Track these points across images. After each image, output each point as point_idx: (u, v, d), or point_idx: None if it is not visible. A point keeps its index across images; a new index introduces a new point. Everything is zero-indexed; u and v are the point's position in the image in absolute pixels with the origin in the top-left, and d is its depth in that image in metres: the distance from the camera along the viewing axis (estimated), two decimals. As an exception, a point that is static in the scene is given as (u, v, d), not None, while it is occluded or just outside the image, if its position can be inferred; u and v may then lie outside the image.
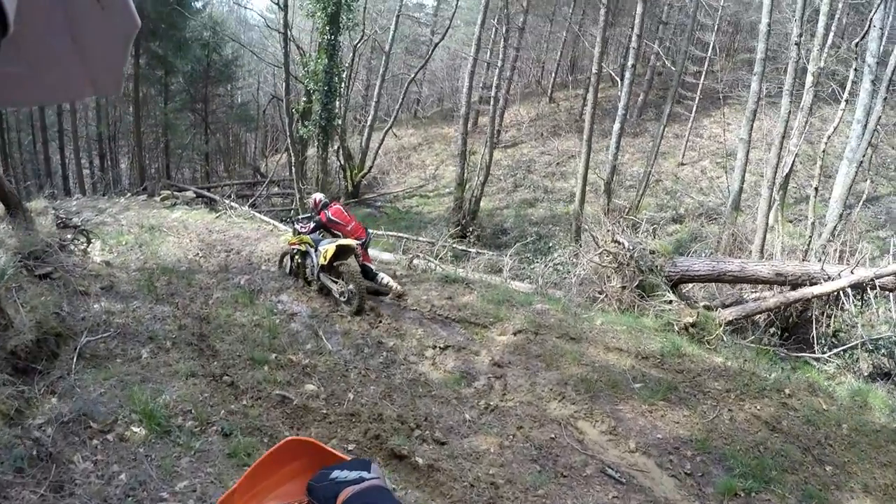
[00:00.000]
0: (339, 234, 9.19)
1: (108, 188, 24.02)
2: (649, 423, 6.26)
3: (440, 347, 7.59)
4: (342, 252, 8.69)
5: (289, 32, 20.01)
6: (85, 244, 9.75)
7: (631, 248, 10.22)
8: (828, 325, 9.37)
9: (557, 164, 29.22)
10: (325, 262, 8.64)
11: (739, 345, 8.77)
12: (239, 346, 6.85)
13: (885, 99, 15.39)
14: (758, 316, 9.86)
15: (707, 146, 29.01)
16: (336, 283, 8.64)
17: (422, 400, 6.39)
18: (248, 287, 8.93)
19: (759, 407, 6.62)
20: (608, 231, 10.94)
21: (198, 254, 10.77)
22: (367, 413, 5.80)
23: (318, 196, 9.86)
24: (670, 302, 9.69)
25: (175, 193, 19.92)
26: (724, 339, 8.80)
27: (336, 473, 1.39)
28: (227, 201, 17.43)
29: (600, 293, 10.47)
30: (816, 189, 13.31)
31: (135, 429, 4.72)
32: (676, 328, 8.84)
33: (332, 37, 20.16)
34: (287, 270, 9.69)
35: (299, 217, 9.90)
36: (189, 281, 8.96)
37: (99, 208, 14.41)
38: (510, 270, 12.88)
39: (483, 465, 5.30)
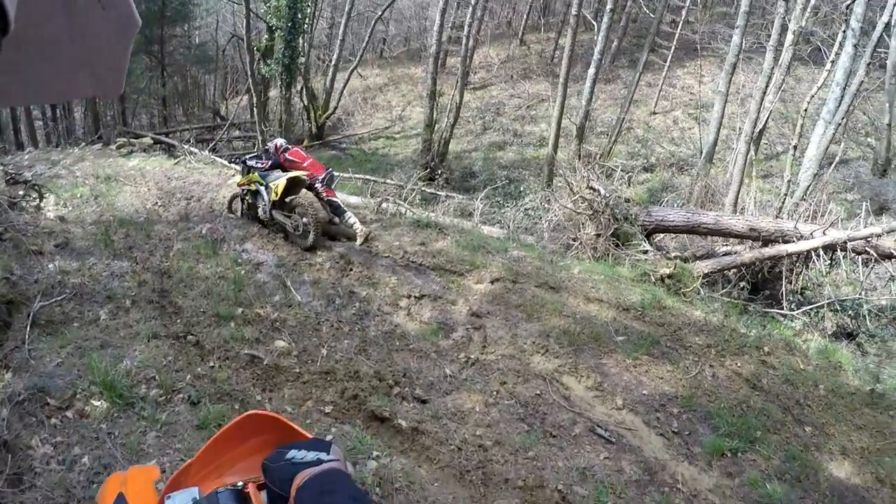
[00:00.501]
0: (293, 170, 8.91)
1: (62, 139, 23.17)
2: (634, 378, 6.16)
3: (415, 297, 7.32)
4: (293, 185, 8.49)
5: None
6: (37, 200, 9.27)
7: (607, 195, 10.03)
8: (795, 283, 9.44)
9: (528, 107, 28.67)
10: (277, 198, 8.42)
11: (713, 298, 8.79)
12: (203, 302, 6.49)
13: (869, 64, 15.49)
14: (730, 269, 9.84)
15: (680, 97, 28.65)
16: (289, 217, 8.43)
17: (399, 354, 6.14)
18: (211, 236, 8.53)
19: (739, 364, 6.62)
20: (583, 177, 10.65)
21: (156, 203, 10.32)
22: (342, 370, 5.54)
23: (280, 141, 9.53)
24: (645, 252, 9.67)
25: (132, 141, 19.06)
26: (700, 291, 8.80)
27: (293, 453, 1.32)
28: (186, 147, 16.66)
29: (574, 240, 10.30)
30: (795, 147, 13.25)
31: (95, 402, 4.42)
32: (653, 279, 8.79)
33: None
34: (239, 214, 9.40)
35: (249, 155, 9.47)
36: (148, 232, 8.55)
37: (52, 160, 13.82)
38: (481, 215, 12.58)
39: (469, 426, 5.10)
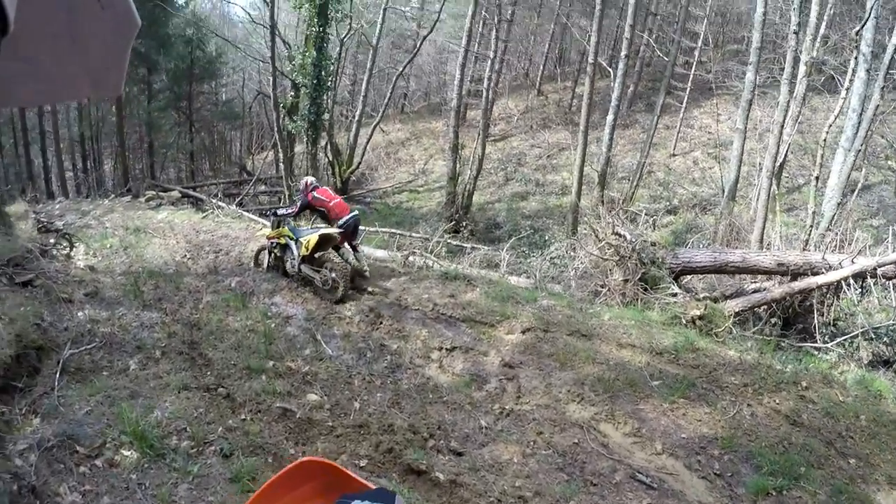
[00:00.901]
0: (323, 210, 9.09)
1: (92, 190, 23.53)
2: (672, 422, 6.00)
3: (447, 349, 7.21)
4: (324, 241, 8.57)
5: (275, 25, 19.51)
6: (68, 249, 9.36)
7: (633, 240, 9.98)
8: (827, 314, 9.29)
9: (548, 156, 28.91)
10: (308, 252, 8.48)
11: (745, 336, 8.66)
12: (233, 354, 6.43)
13: (883, 88, 15.32)
14: (760, 307, 9.68)
15: (698, 137, 28.85)
16: (318, 272, 8.46)
17: (433, 406, 6.00)
18: (240, 289, 8.54)
19: (777, 401, 6.44)
20: (608, 223, 10.65)
21: (185, 255, 10.37)
22: (376, 424, 5.40)
23: (309, 179, 9.67)
24: (675, 294, 9.53)
25: (160, 194, 19.34)
26: (733, 331, 8.65)
27: None
28: (213, 200, 16.93)
29: (602, 287, 10.19)
30: (817, 178, 13.24)
31: (125, 452, 4.33)
32: (684, 321, 8.63)
33: (321, 28, 19.57)
34: (264, 266, 9.40)
35: (278, 207, 9.54)
36: (177, 284, 8.56)
37: (82, 211, 14.00)
38: (507, 265, 12.53)
39: (507, 477, 4.94)
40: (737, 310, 9.19)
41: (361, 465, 4.84)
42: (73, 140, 28.95)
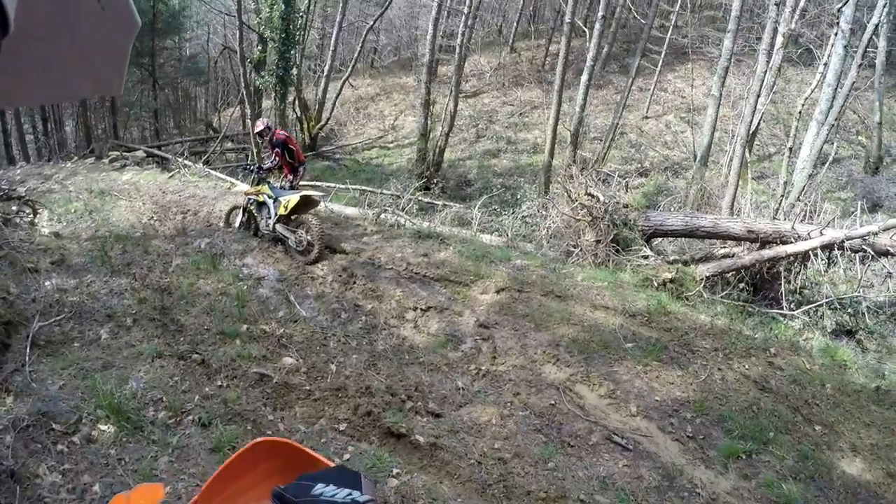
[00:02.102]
0: (293, 150, 9.15)
1: (54, 153, 22.99)
2: (646, 384, 6.12)
3: (421, 309, 7.22)
4: (304, 203, 8.52)
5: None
6: (31, 216, 9.10)
7: (605, 201, 10.02)
8: (794, 283, 9.41)
9: (520, 114, 28.63)
10: (286, 213, 8.44)
11: (714, 300, 8.78)
12: (206, 319, 6.36)
13: (860, 66, 15.59)
14: (730, 272, 9.78)
15: (671, 100, 28.76)
16: (294, 232, 8.42)
17: (410, 368, 6.02)
18: (210, 251, 8.44)
19: (747, 366, 6.60)
20: (581, 184, 10.66)
21: (152, 218, 10.22)
22: (353, 386, 5.40)
23: (264, 120, 9.62)
24: (646, 257, 9.65)
25: (124, 154, 18.94)
26: (703, 295, 8.78)
27: (320, 487, 1.11)
28: (180, 160, 16.49)
29: (574, 247, 10.24)
30: (790, 149, 13.48)
31: (102, 427, 4.27)
32: (655, 284, 8.75)
33: None
34: (235, 226, 9.33)
35: (255, 164, 9.43)
36: (145, 248, 8.43)
37: (45, 175, 13.67)
38: (479, 223, 12.49)
39: (487, 439, 4.99)
40: (707, 274, 9.28)
41: (341, 428, 4.84)
42: (31, 102, 28.07)
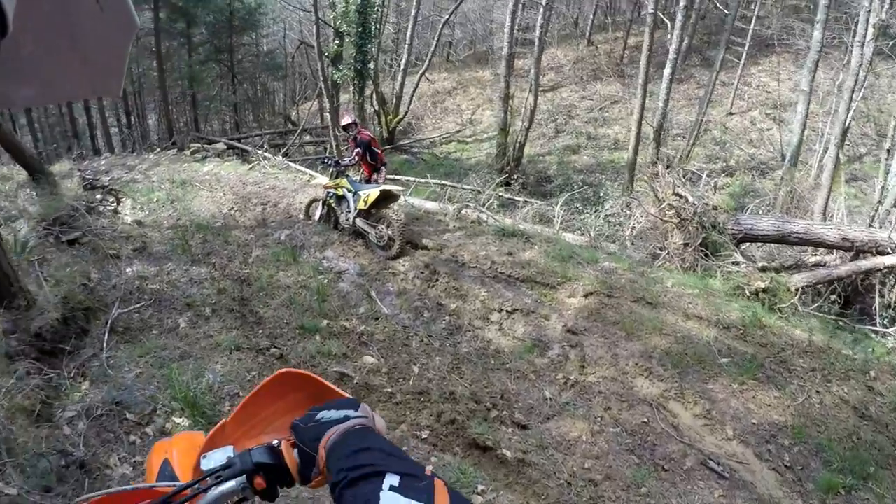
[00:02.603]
0: (376, 151, 8.96)
1: (137, 144, 23.56)
2: (742, 405, 5.66)
3: (507, 311, 6.84)
4: (384, 198, 8.27)
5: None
6: (114, 204, 9.16)
7: (694, 202, 9.43)
8: (888, 296, 8.72)
9: (600, 109, 27.88)
10: (365, 207, 8.23)
11: (805, 313, 8.18)
12: (285, 312, 6.17)
13: None
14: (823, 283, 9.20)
15: (756, 95, 27.33)
16: (374, 227, 8.19)
17: (495, 373, 5.67)
18: (290, 243, 8.29)
19: (846, 390, 6.09)
20: (668, 183, 10.05)
21: (232, 208, 10.17)
22: (436, 391, 5.10)
23: (352, 114, 9.53)
24: (737, 263, 9.06)
25: (205, 146, 19.22)
26: (798, 308, 8.17)
27: (322, 413, 1.27)
28: (259, 152, 16.60)
29: (661, 250, 9.72)
30: (889, 151, 12.54)
31: (177, 419, 4.10)
32: (747, 293, 8.20)
33: None
34: (315, 218, 9.20)
35: (334, 158, 9.24)
36: (225, 238, 8.35)
37: (128, 165, 13.86)
38: (561, 221, 12.04)
39: (576, 457, 4.64)
40: (801, 285, 8.71)
41: (423, 436, 4.55)
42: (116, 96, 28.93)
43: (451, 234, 8.90)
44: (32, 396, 4.04)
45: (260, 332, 5.70)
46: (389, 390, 5.00)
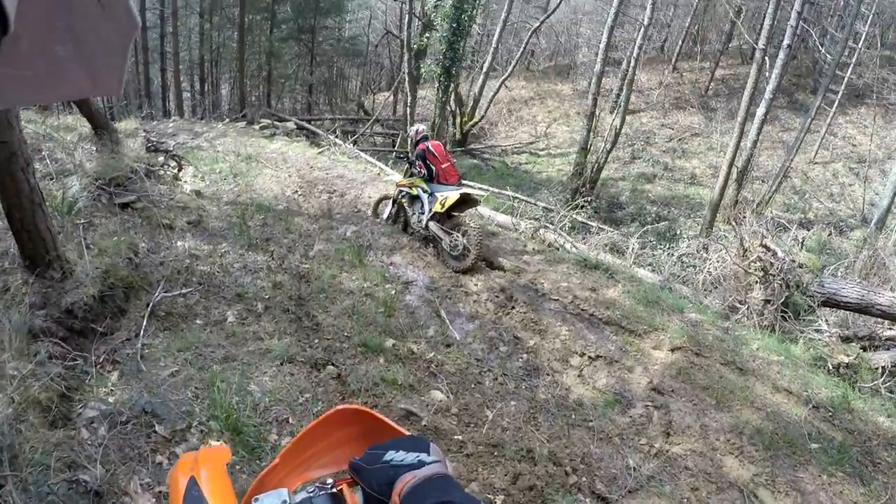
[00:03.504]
0: (433, 167, 8.11)
1: (207, 112, 23.59)
2: (829, 500, 4.92)
3: (589, 356, 6.04)
4: (463, 202, 7.68)
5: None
6: (176, 170, 8.72)
7: (783, 257, 8.66)
8: None
9: (679, 140, 26.95)
10: (442, 210, 7.61)
11: (878, 393, 7.39)
12: (346, 322, 5.51)
13: None
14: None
15: (840, 147, 26.18)
16: (449, 234, 7.54)
17: (576, 431, 4.90)
18: (356, 241, 7.69)
19: None
20: (756, 232, 9.31)
21: (297, 192, 9.71)
22: (512, 444, 4.34)
23: (421, 126, 8.77)
24: (819, 330, 8.24)
25: (275, 123, 18.95)
26: (881, 390, 7.33)
27: (391, 455, 1.16)
28: (330, 137, 16.11)
29: (741, 303, 8.85)
30: None
31: (213, 442, 3.42)
32: (830, 366, 7.45)
33: None
34: (384, 218, 8.63)
35: (409, 157, 8.62)
36: (287, 224, 7.81)
37: (195, 132, 13.63)
38: (634, 255, 11.28)
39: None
40: (884, 364, 7.92)
41: (497, 501, 3.80)
42: (193, 62, 29.23)
43: (528, 256, 8.17)
44: (51, 388, 3.44)
45: (316, 341, 5.04)
46: (460, 438, 4.26)
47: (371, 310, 5.85)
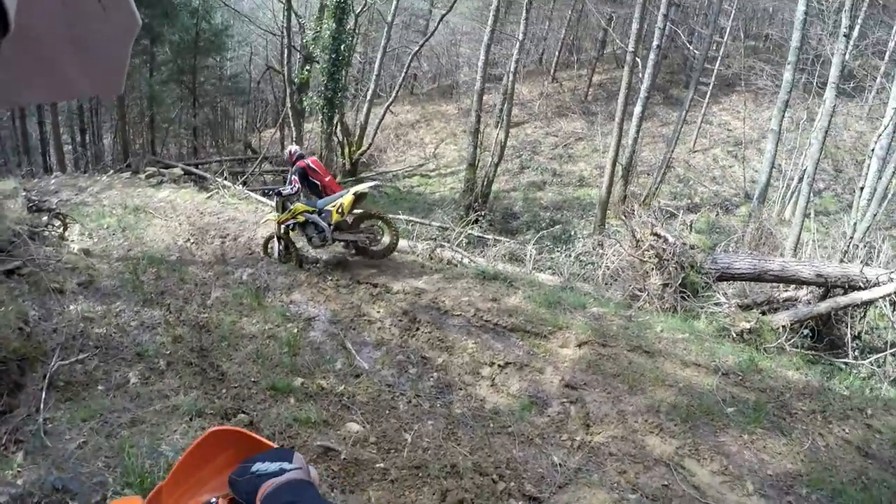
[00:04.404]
0: (318, 183, 8.41)
1: (90, 165, 22.69)
2: (755, 456, 5.29)
3: (499, 365, 6.22)
4: (359, 199, 8.08)
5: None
6: (61, 229, 8.42)
7: (674, 242, 9.26)
8: (853, 328, 9.06)
9: (564, 146, 27.95)
10: (344, 216, 7.92)
11: (791, 352, 8.12)
12: (252, 368, 5.46)
13: None
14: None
15: (717, 134, 28.17)
16: (362, 231, 8.09)
17: (496, 438, 5.03)
18: (253, 284, 7.61)
19: (846, 430, 5.89)
20: (646, 223, 9.86)
21: (189, 240, 9.52)
22: (434, 463, 4.42)
23: (293, 147, 8.97)
24: (718, 304, 8.92)
25: (161, 170, 18.42)
26: (786, 348, 8.06)
27: (257, 466, 1.32)
28: (218, 179, 15.77)
29: (641, 291, 9.35)
30: (862, 188, 13.15)
31: (127, 494, 3.36)
32: (733, 334, 8.01)
33: None
34: (276, 256, 8.49)
35: (275, 188, 8.68)
36: (181, 275, 7.67)
37: (79, 187, 13.16)
38: (533, 261, 11.63)
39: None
40: (784, 324, 8.62)
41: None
42: (72, 112, 27.85)
43: (428, 276, 8.27)
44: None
45: (224, 391, 4.98)
46: (382, 465, 4.30)
47: (275, 351, 5.83)
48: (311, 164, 8.38)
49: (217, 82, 30.69)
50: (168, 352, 5.48)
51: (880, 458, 5.50)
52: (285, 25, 18.52)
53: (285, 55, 19.44)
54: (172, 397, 4.68)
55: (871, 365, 8.35)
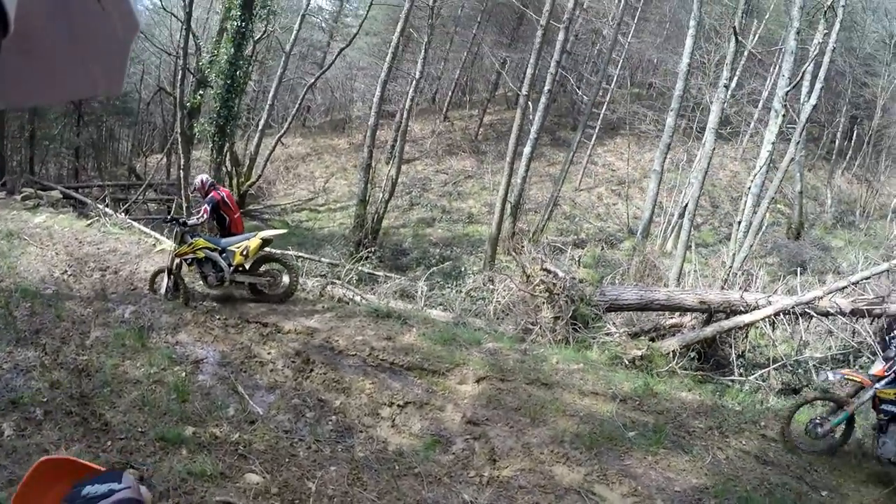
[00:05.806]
0: (226, 218, 8.40)
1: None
2: (661, 475, 5.55)
3: (398, 405, 6.20)
4: (266, 244, 8.08)
5: (191, 15, 17.77)
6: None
7: (563, 276, 9.74)
8: (737, 348, 9.86)
9: (454, 183, 28.58)
10: (248, 258, 7.86)
11: (683, 374, 8.75)
12: (139, 416, 5.15)
13: (798, 143, 16.41)
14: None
15: (602, 173, 29.93)
16: (262, 275, 8.10)
17: (403, 480, 4.96)
18: (136, 323, 7.23)
19: (743, 442, 6.37)
20: (535, 258, 10.35)
21: (66, 272, 8.97)
22: (345, 513, 4.30)
23: (205, 177, 8.86)
24: (609, 334, 9.43)
25: (39, 192, 17.31)
26: (677, 371, 8.72)
27: (87, 489, 1.35)
28: (100, 207, 14.88)
29: (533, 324, 9.66)
30: (740, 222, 14.08)
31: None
32: (625, 361, 8.55)
33: (243, 24, 17.46)
34: (162, 292, 8.09)
35: (179, 219, 8.41)
36: (58, 311, 7.22)
37: None
38: (424, 298, 11.70)
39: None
40: (673, 349, 9.28)
41: None
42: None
43: (319, 314, 8.15)
44: None
45: (109, 444, 4.65)
46: (289, 519, 4.14)
47: (163, 398, 5.54)
48: (225, 198, 8.28)
49: (104, 100, 29.28)
50: (45, 399, 5.10)
51: (779, 464, 5.96)
52: (182, 46, 17.82)
53: (179, 77, 18.66)
54: (53, 451, 4.34)
55: (757, 380, 9.18)
